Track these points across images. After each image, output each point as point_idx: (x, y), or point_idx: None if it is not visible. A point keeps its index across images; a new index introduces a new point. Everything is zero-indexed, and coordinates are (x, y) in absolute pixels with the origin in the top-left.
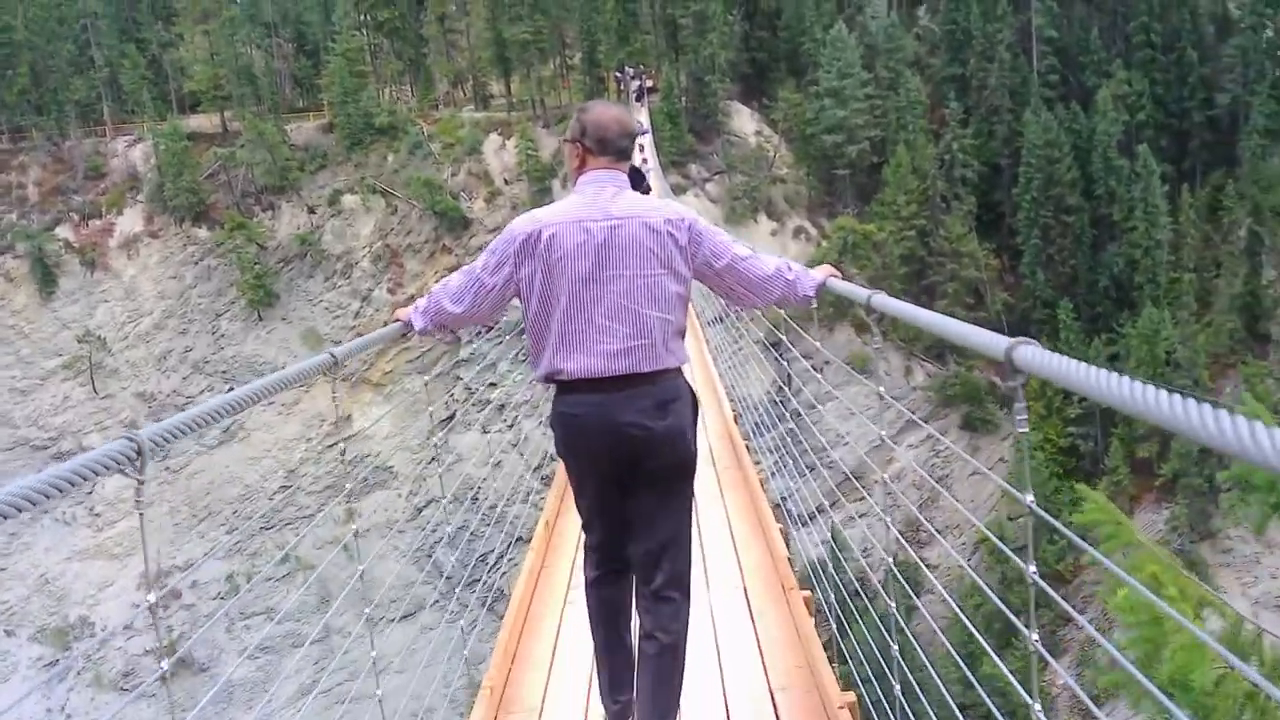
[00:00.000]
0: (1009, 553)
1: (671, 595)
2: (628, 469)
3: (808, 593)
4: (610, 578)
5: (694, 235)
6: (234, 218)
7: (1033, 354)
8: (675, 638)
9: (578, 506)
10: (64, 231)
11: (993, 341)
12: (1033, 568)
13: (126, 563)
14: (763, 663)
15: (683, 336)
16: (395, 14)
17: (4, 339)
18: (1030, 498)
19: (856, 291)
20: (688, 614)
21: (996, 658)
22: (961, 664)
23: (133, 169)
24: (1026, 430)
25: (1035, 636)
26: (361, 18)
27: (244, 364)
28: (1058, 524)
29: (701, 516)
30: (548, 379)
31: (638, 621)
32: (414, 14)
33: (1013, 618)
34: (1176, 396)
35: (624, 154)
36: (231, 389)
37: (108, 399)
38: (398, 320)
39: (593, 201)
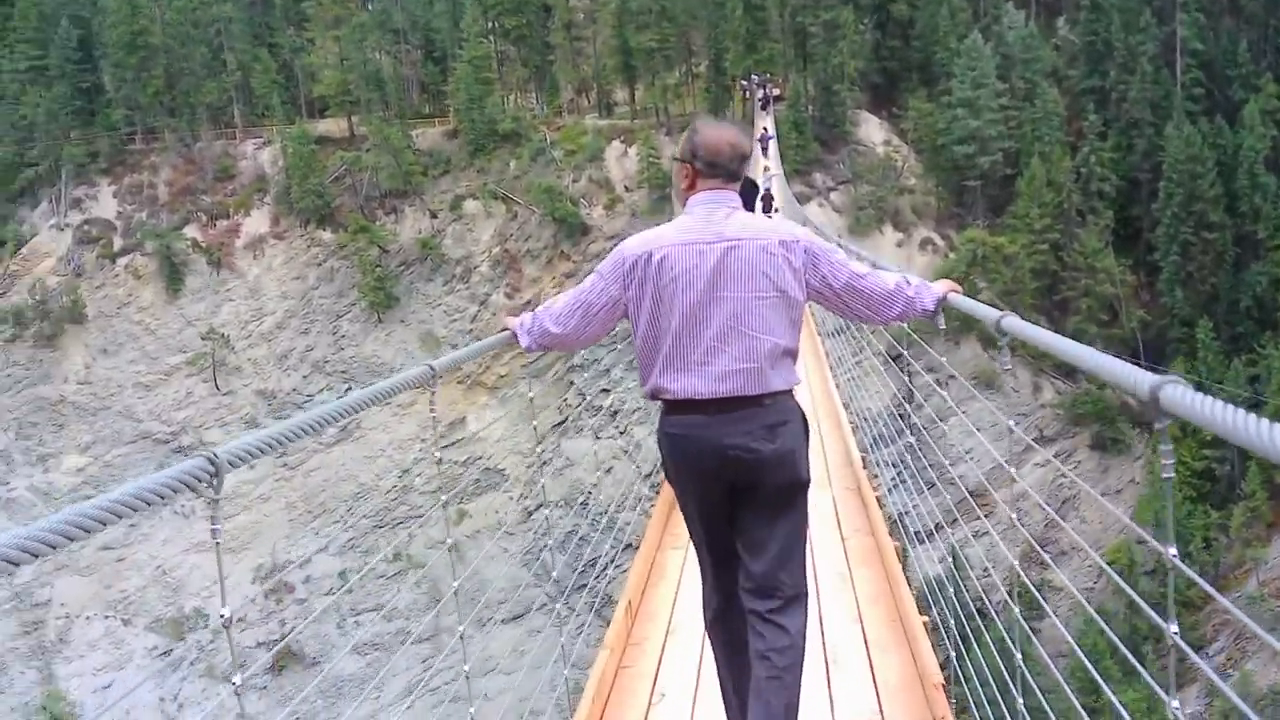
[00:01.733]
0: (1149, 611)
1: (783, 623)
2: (733, 492)
3: (925, 618)
4: (728, 616)
5: (809, 256)
6: (358, 221)
7: (1181, 395)
8: (790, 659)
9: (692, 537)
10: (192, 231)
11: (1136, 378)
12: (1174, 627)
13: (241, 556)
14: (878, 699)
15: (794, 359)
16: (523, 21)
17: (131, 335)
18: (1173, 550)
19: (985, 311)
20: (804, 629)
21: (1112, 695)
22: (1099, 676)
23: (261, 171)
24: (1172, 476)
25: (1176, 703)
26: (489, 25)
27: (363, 365)
28: (1199, 579)
29: (815, 536)
30: (654, 396)
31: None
32: (541, 21)
33: (1150, 681)
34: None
35: (735, 176)
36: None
37: (229, 395)
38: (505, 330)
39: (705, 223)
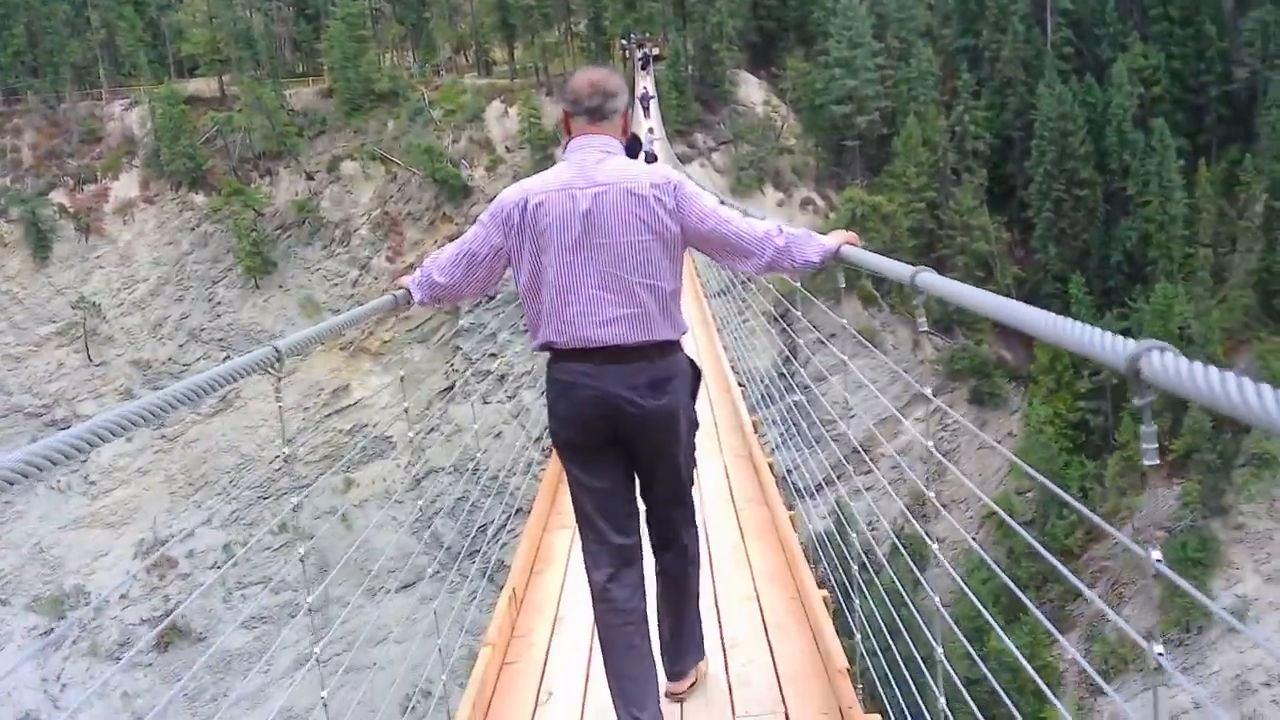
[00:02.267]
0: (1129, 629)
1: (682, 535)
2: (620, 443)
3: (825, 593)
4: (621, 578)
5: (680, 198)
6: (231, 184)
7: (1168, 362)
8: (690, 552)
9: (571, 491)
10: (59, 196)
11: (1113, 349)
12: (1159, 647)
13: (122, 531)
14: (779, 688)
15: (678, 304)
16: None
17: None
18: (1156, 555)
19: (894, 267)
20: (698, 541)
21: (1005, 637)
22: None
23: (129, 133)
24: (1156, 462)
25: (1159, 649)
26: None
27: (241, 332)
28: (1187, 585)
29: (707, 508)
30: (543, 347)
31: (650, 553)
32: None
33: (1127, 542)
34: (1069, 321)
35: (598, 113)
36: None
37: (102, 366)
38: (400, 288)
39: (579, 168)
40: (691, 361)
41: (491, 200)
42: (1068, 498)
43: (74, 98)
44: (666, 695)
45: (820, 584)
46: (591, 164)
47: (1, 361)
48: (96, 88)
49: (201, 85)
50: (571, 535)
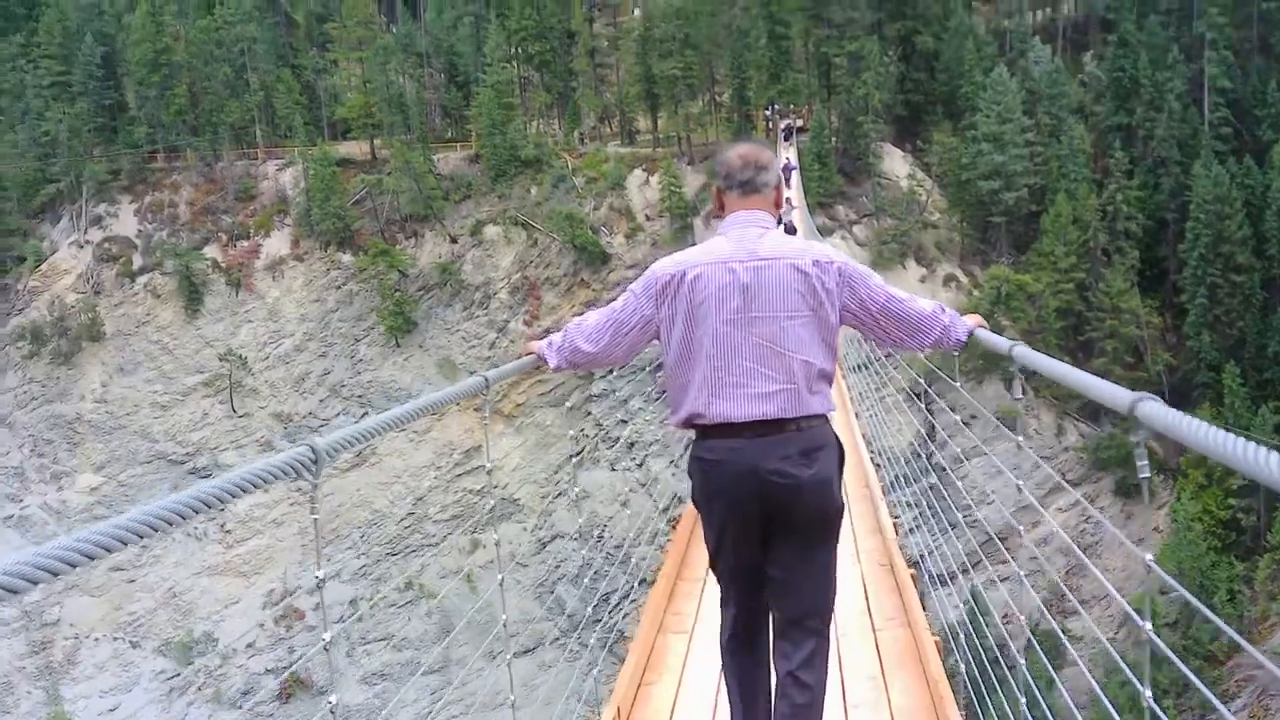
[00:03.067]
0: (1208, 612)
1: (807, 680)
2: (769, 520)
3: (937, 639)
4: (747, 638)
5: (844, 277)
6: (378, 244)
7: (1155, 410)
8: (816, 681)
9: (712, 564)
10: (212, 251)
11: (1116, 395)
12: (1148, 625)
13: (253, 580)
14: (889, 707)
15: (830, 383)
16: (546, 47)
17: (149, 354)
18: (1150, 556)
19: (997, 340)
20: (826, 665)
21: None
22: None
23: (282, 192)
24: (1148, 475)
25: (1148, 693)
26: (513, 50)
27: (380, 389)
28: (1175, 583)
29: (841, 625)
30: (687, 423)
31: (775, 668)
32: (565, 47)
33: (1205, 691)
34: None
35: (751, 186)
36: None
37: (245, 418)
38: (530, 353)
39: (738, 242)
40: (836, 436)
41: (634, 267)
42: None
43: (231, 157)
44: None
45: (950, 675)
46: (752, 239)
47: (149, 410)
48: (253, 147)
49: (353, 148)
50: (688, 642)
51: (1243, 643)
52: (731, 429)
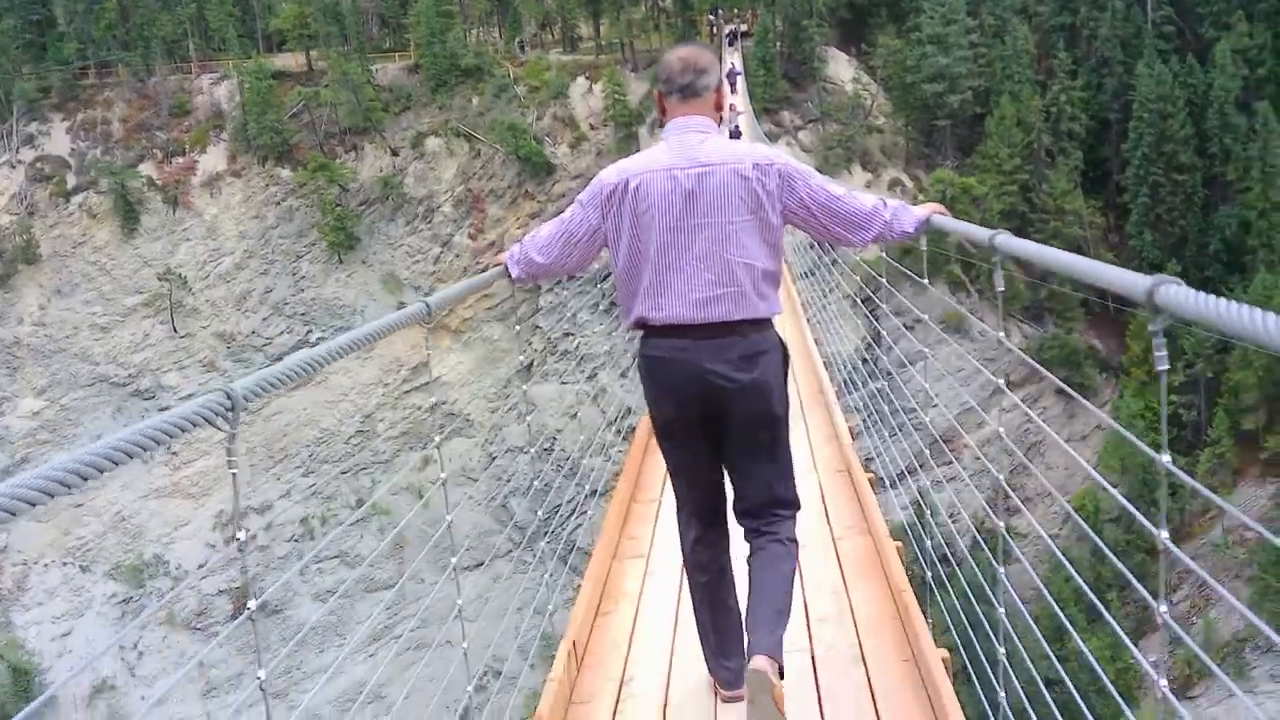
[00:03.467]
0: (1142, 519)
1: (775, 516)
2: (715, 418)
3: (944, 654)
4: (708, 539)
5: (785, 178)
6: (317, 158)
7: (1178, 293)
8: (788, 563)
9: (666, 462)
10: (147, 169)
11: (1132, 281)
12: (1165, 533)
13: (203, 502)
14: (853, 618)
15: (776, 285)
16: None
17: (86, 275)
18: (1167, 457)
19: (974, 231)
20: (794, 526)
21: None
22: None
23: (217, 107)
24: (1166, 368)
25: (1164, 608)
26: None
27: (323, 306)
28: (1195, 483)
29: (801, 538)
30: (636, 325)
31: (745, 548)
32: None
33: (1142, 590)
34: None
35: (690, 90)
36: (310, 332)
37: (187, 338)
38: (499, 264)
39: (679, 149)
40: (781, 340)
41: (579, 177)
42: (1133, 508)
43: (164, 72)
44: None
45: (912, 579)
46: (693, 144)
47: (88, 331)
48: (186, 62)
49: (289, 60)
50: (644, 569)
51: (1170, 547)
52: (678, 330)
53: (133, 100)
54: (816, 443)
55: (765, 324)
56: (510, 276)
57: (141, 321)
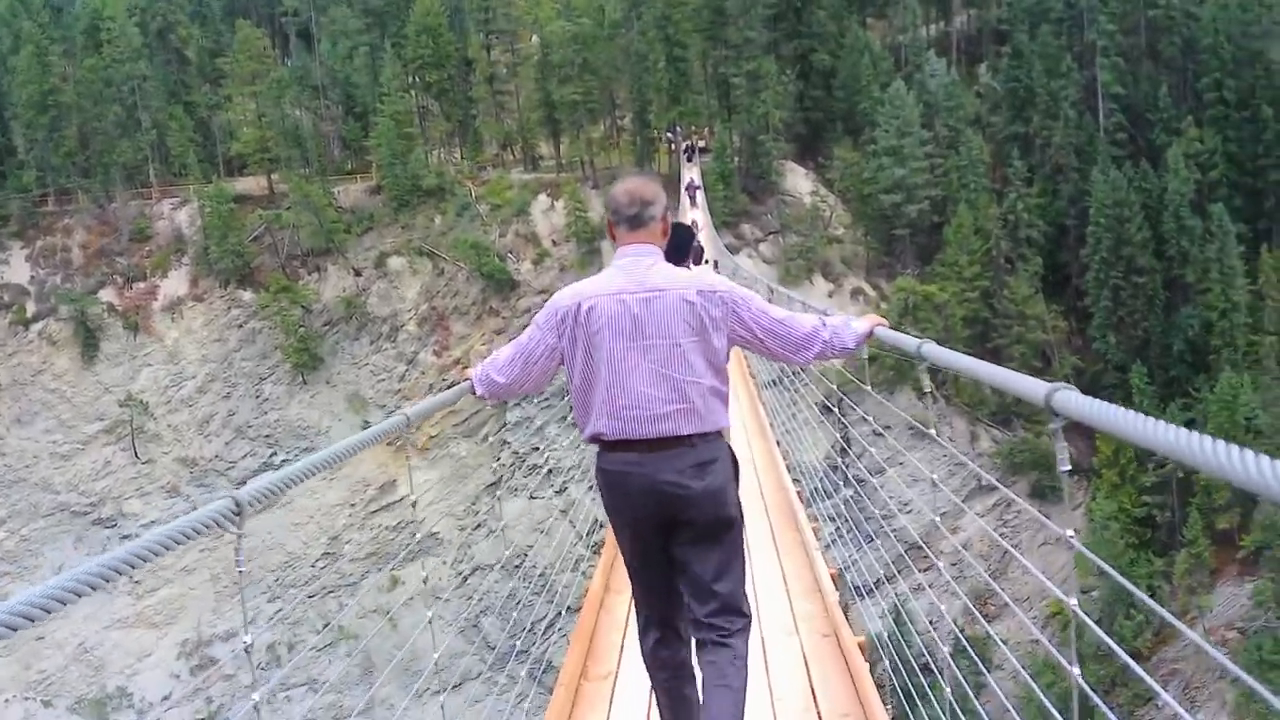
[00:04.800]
0: (1056, 655)
1: (726, 624)
2: (668, 525)
3: (862, 638)
4: (667, 639)
5: (729, 305)
6: (279, 280)
7: (1071, 399)
8: (740, 675)
9: (628, 570)
10: (108, 295)
11: (1033, 387)
12: (1077, 670)
13: (166, 631)
14: (817, 711)
15: (723, 400)
16: (444, 75)
17: (45, 403)
18: (1074, 601)
19: (905, 341)
20: (746, 640)
21: None
22: None
23: (178, 231)
24: (1068, 468)
25: (1076, 670)
26: (410, 79)
27: (287, 428)
28: (1100, 631)
29: (760, 611)
30: (592, 440)
31: (696, 655)
32: (463, 75)
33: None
34: (1206, 438)
35: (638, 220)
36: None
37: (149, 464)
38: (466, 379)
39: (629, 274)
40: (730, 449)
41: (543, 293)
42: (1047, 581)
43: (124, 197)
44: None
45: (879, 685)
46: (642, 270)
47: (49, 460)
48: (147, 187)
49: (251, 184)
50: (611, 687)
51: (1175, 621)
52: (630, 445)
53: (93, 226)
54: (795, 592)
55: (714, 435)
56: (476, 393)
57: (103, 449)
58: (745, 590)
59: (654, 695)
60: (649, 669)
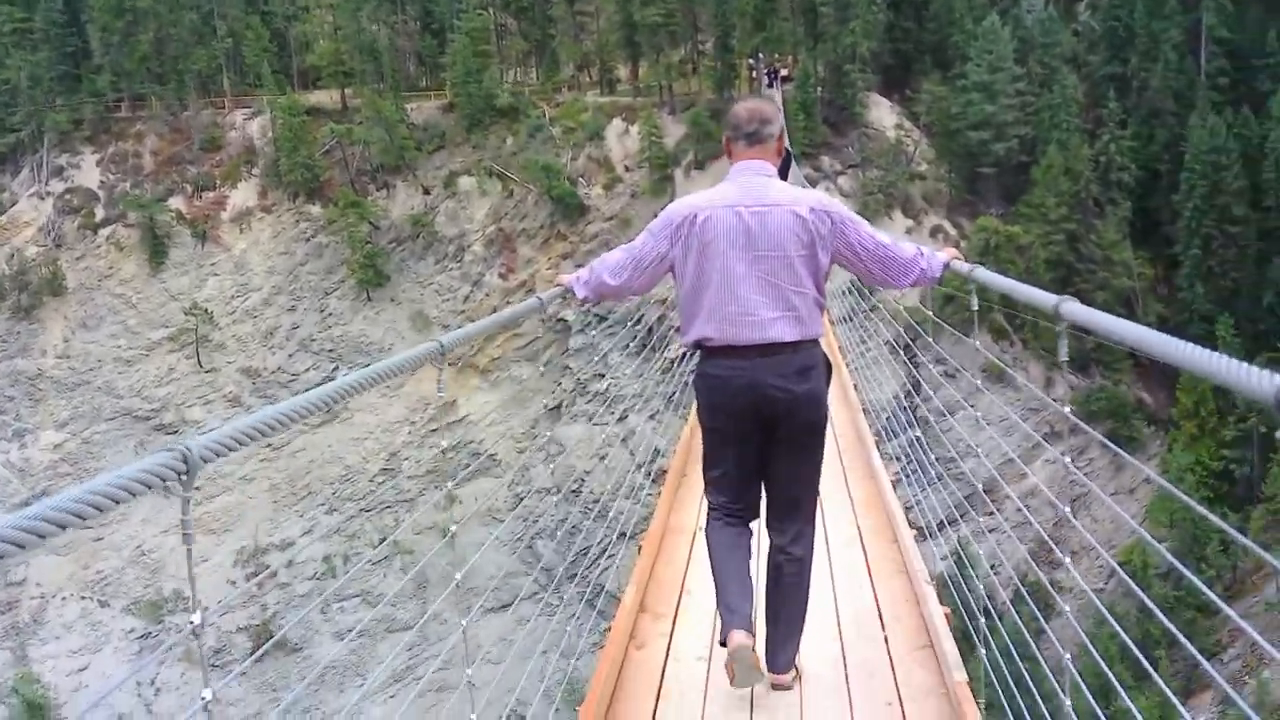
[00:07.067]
0: (1164, 620)
1: (797, 553)
2: (767, 428)
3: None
4: (735, 522)
5: (836, 223)
6: (348, 195)
7: (1076, 309)
8: (804, 554)
9: (706, 467)
10: (177, 203)
11: (1041, 297)
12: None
13: (223, 538)
14: (883, 629)
15: (822, 310)
16: None
17: (112, 308)
18: (1068, 409)
19: (1040, 296)
20: (813, 542)
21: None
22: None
23: (249, 142)
24: (1067, 357)
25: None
26: None
27: (350, 344)
28: (1092, 430)
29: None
30: (696, 345)
31: (765, 545)
32: None
33: (1192, 649)
34: (1209, 351)
35: (756, 137)
36: (337, 369)
37: (212, 373)
38: (559, 285)
39: (744, 188)
40: (825, 355)
41: (612, 219)
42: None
43: (197, 106)
44: (771, 686)
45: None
46: (758, 185)
47: (113, 365)
48: (220, 96)
49: (323, 97)
50: (674, 613)
51: (1223, 605)
52: (736, 351)
53: (164, 134)
54: (869, 542)
55: (814, 343)
56: (576, 296)
57: (167, 356)
58: (817, 493)
59: (710, 556)
60: (709, 536)
